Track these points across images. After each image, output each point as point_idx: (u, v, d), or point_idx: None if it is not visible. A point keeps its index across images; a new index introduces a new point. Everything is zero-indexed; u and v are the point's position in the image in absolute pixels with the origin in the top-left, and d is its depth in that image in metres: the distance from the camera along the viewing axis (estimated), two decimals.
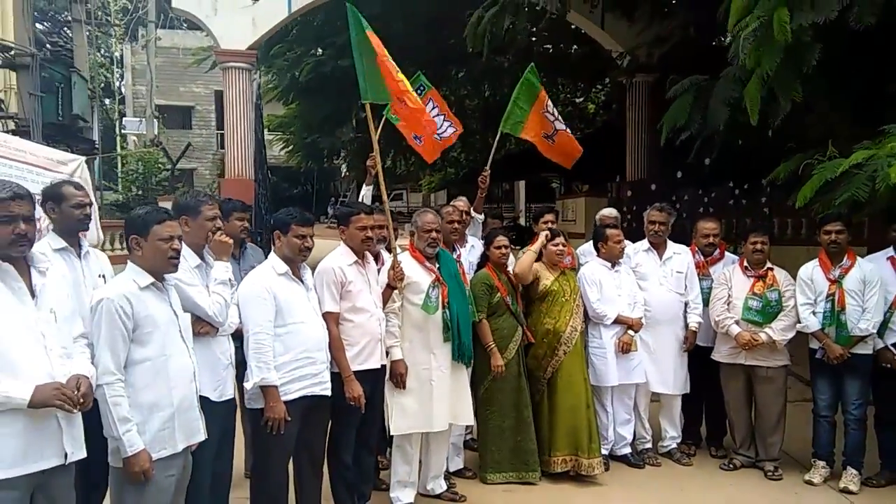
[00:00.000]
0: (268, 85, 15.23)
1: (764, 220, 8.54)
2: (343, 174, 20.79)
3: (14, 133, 6.95)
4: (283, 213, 3.40)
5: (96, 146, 11.09)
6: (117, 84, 19.72)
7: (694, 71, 6.64)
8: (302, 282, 3.34)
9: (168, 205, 3.32)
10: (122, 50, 24.97)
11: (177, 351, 2.63)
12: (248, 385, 3.09)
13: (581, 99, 19.03)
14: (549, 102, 5.49)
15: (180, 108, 29.71)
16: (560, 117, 5.57)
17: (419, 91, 5.09)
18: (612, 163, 12.24)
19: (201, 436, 2.73)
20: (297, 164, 17.49)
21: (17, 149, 4.82)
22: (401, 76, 4.00)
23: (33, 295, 2.29)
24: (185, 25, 29.63)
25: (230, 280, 3.21)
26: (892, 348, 4.39)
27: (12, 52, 8.35)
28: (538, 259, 4.65)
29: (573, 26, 12.03)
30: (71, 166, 7.21)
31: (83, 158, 7.17)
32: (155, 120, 17.59)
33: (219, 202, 3.65)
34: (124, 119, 14.74)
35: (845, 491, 4.37)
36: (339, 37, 12.73)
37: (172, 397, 2.58)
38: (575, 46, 13.28)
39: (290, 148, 17.40)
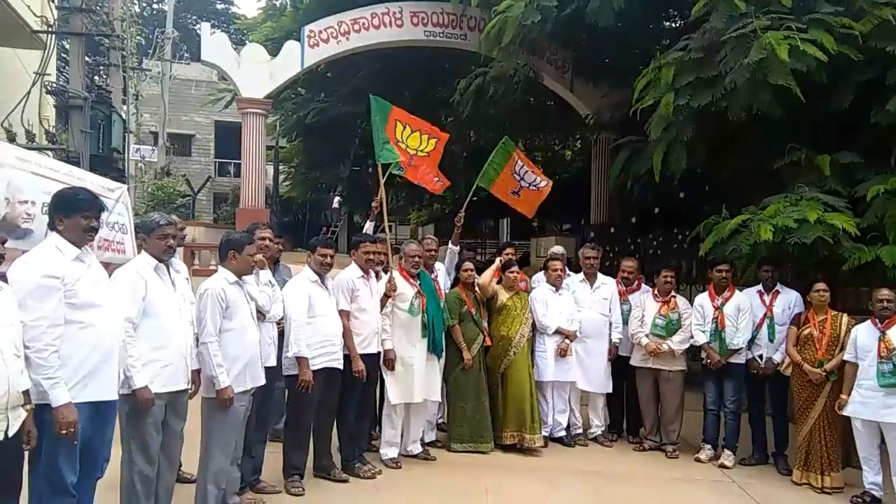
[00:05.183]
0: (275, 123, 16.77)
1: (699, 261, 10.03)
2: (334, 205, 22.28)
3: (67, 163, 8.32)
4: (314, 239, 4.87)
5: (125, 175, 12.53)
6: (125, 113, 21.03)
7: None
8: (327, 288, 4.79)
9: (192, 228, 4.73)
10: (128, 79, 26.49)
11: (249, 325, 4.05)
12: (289, 354, 4.51)
13: (559, 146, 20.71)
14: (518, 163, 6.97)
15: (181, 135, 30.96)
16: (527, 175, 7.01)
17: None
18: (585, 205, 13.77)
19: (261, 381, 4.15)
20: (297, 196, 19.03)
21: (79, 178, 6.11)
22: (414, 141, 5.69)
23: (173, 285, 3.72)
24: (188, 58, 31.29)
25: (270, 282, 4.63)
26: (757, 359, 5.88)
27: (68, 96, 9.85)
28: (499, 282, 6.15)
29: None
30: (117, 192, 8.67)
31: (125, 186, 8.61)
32: (165, 148, 19.01)
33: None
34: (140, 148, 16.21)
35: (722, 466, 5.78)
36: (342, 86, 14.37)
37: (246, 353, 4.00)
38: (551, 102, 14.88)
39: (291, 181, 18.91)
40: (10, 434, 2.72)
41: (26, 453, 2.96)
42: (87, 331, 3.11)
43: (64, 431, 2.94)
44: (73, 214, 3.18)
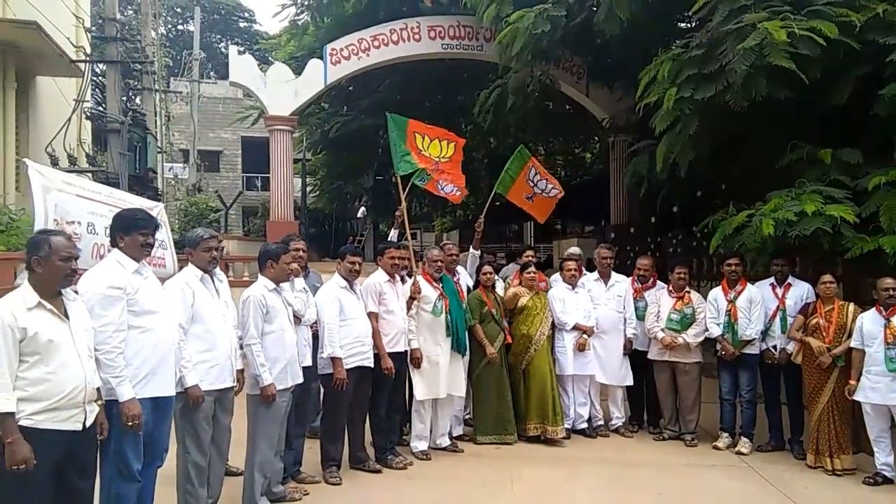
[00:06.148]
0: (301, 137, 17.30)
1: (717, 257, 10.23)
2: (359, 215, 22.85)
3: (107, 184, 8.83)
4: (343, 248, 5.25)
5: (160, 193, 13.11)
6: (156, 132, 21.79)
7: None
8: (356, 292, 5.16)
9: (226, 242, 5.11)
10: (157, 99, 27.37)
11: (288, 327, 4.44)
12: (323, 355, 4.89)
13: (579, 149, 20.96)
14: (533, 171, 7.33)
15: (209, 152, 31.69)
16: (540, 182, 7.37)
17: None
18: (605, 206, 14.02)
19: (300, 379, 4.53)
20: (323, 207, 19.57)
21: (119, 199, 6.50)
22: (434, 150, 6.09)
23: (217, 293, 4.11)
24: (214, 76, 32.06)
25: (304, 288, 5.02)
26: (771, 349, 6.10)
27: (106, 120, 10.44)
28: (520, 283, 6.47)
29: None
30: (155, 211, 9.16)
31: (162, 205, 9.11)
32: (195, 165, 19.67)
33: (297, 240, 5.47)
34: (173, 166, 16.88)
35: (739, 453, 6.01)
36: (364, 99, 14.83)
37: (286, 354, 4.38)
38: (569, 107, 15.17)
39: (318, 192, 19.45)
40: (88, 425, 3.12)
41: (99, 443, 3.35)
42: (147, 335, 3.51)
43: (130, 423, 3.34)
44: (132, 232, 3.59)
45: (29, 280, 3.08)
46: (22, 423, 2.89)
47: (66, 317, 3.09)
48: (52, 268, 3.06)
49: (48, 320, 3.01)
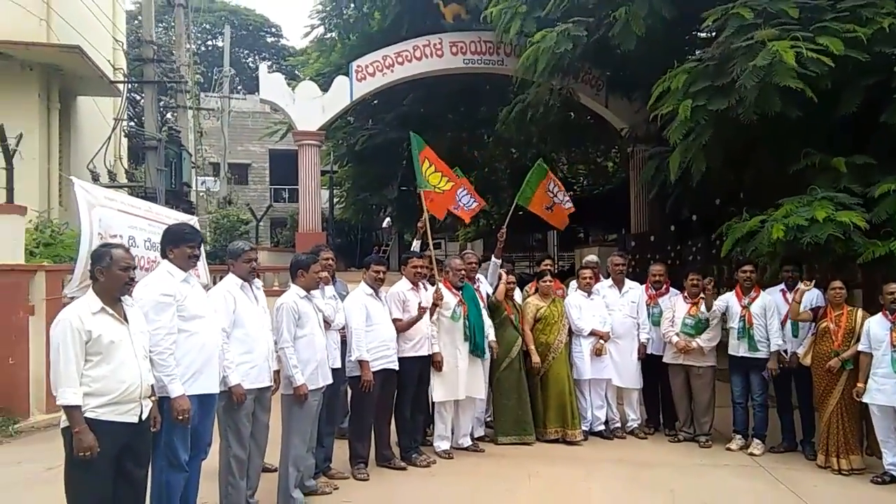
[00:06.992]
0: (328, 150, 17.79)
1: (731, 264, 10.38)
2: (384, 225, 23.34)
3: (145, 198, 9.30)
4: (368, 258, 5.60)
5: (193, 206, 13.65)
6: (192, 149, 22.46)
7: None
8: (381, 299, 5.50)
9: (259, 253, 5.44)
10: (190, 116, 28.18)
11: (318, 332, 4.79)
12: (351, 358, 5.23)
13: (601, 158, 21.18)
14: (552, 183, 7.64)
15: (238, 165, 32.43)
16: (559, 194, 7.68)
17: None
18: (627, 215, 14.20)
19: (330, 380, 4.89)
20: (349, 218, 20.09)
21: (156, 213, 6.85)
22: (434, 179, 6.44)
23: (255, 300, 4.48)
24: (242, 91, 32.84)
25: (334, 295, 5.37)
26: (783, 353, 6.28)
27: (144, 138, 10.99)
28: (536, 292, 6.77)
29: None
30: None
31: (196, 218, 9.55)
32: (226, 179, 20.28)
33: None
34: (205, 179, 17.52)
35: (752, 454, 6.20)
36: (388, 113, 15.26)
37: (317, 356, 4.73)
38: (590, 118, 15.42)
39: (344, 204, 19.96)
40: (143, 418, 3.48)
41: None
42: (194, 338, 3.89)
43: (180, 417, 3.70)
44: (181, 245, 3.97)
45: (93, 287, 3.47)
46: (87, 415, 3.26)
47: (126, 320, 3.47)
48: (113, 277, 3.44)
49: (110, 324, 3.39)
